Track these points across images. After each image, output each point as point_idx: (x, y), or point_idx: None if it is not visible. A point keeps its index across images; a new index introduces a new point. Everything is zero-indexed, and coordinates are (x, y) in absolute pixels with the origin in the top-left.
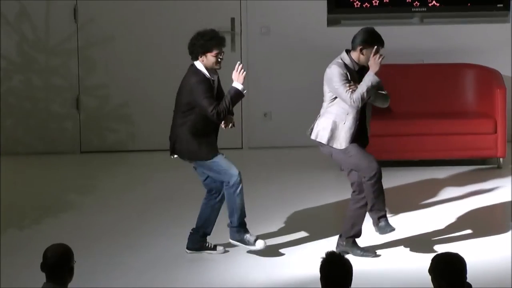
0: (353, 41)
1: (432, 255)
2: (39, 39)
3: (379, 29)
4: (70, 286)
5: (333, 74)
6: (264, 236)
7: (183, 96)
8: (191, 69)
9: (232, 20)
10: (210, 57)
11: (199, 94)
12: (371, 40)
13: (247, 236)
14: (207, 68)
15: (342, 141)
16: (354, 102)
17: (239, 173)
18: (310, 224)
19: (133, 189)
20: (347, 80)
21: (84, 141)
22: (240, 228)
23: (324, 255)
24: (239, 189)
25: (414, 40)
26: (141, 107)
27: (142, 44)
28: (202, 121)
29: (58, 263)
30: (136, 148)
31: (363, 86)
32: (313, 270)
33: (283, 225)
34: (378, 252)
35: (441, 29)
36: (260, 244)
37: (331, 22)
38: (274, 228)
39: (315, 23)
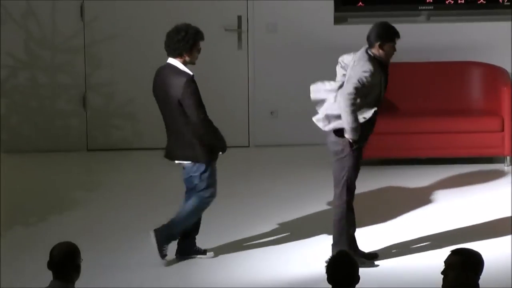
0: (369, 37)
1: (435, 254)
2: (45, 37)
3: None
4: (76, 284)
5: (365, 66)
6: (269, 234)
7: (173, 97)
8: (172, 68)
9: (239, 18)
10: (195, 52)
11: (189, 95)
12: (389, 34)
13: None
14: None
15: None
16: (347, 98)
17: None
18: (316, 223)
19: (139, 187)
20: (362, 85)
21: (90, 138)
22: None
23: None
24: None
25: (420, 38)
26: (147, 105)
27: (148, 42)
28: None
29: (65, 261)
30: (142, 146)
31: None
32: (320, 270)
33: (288, 223)
34: (381, 251)
35: (447, 27)
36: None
37: (337, 20)
38: (280, 226)
39: (322, 21)
